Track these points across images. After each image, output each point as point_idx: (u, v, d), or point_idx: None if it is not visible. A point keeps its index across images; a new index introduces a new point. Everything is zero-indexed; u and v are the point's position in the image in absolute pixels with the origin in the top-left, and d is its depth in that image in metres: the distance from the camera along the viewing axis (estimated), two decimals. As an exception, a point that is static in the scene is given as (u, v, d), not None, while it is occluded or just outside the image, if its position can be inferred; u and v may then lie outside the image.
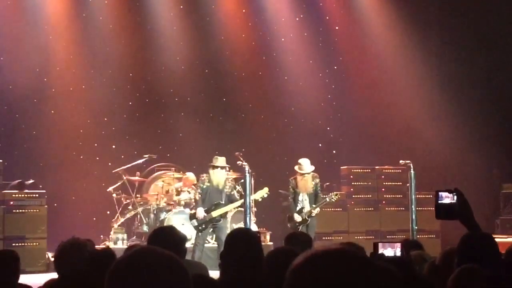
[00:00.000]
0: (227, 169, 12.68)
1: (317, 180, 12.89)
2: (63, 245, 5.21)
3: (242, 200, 12.27)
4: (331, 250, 1.82)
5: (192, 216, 12.44)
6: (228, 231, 12.46)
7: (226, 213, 12.52)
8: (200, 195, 12.38)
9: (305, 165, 12.83)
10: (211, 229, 12.43)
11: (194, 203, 13.05)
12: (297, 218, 12.71)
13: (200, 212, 12.24)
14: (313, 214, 12.74)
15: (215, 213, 12.26)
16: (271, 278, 4.30)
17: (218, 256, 11.45)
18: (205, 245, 13.16)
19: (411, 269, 4.02)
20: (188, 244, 11.33)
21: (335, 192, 13.19)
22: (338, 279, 1.75)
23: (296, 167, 12.84)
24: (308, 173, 12.76)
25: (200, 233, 12.31)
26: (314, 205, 12.71)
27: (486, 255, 3.69)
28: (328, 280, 1.75)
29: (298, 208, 12.76)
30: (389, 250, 4.18)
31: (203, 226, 12.26)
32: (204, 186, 12.37)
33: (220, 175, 12.38)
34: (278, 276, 4.18)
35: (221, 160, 12.44)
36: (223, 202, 12.32)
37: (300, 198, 12.77)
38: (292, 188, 12.84)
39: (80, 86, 16.36)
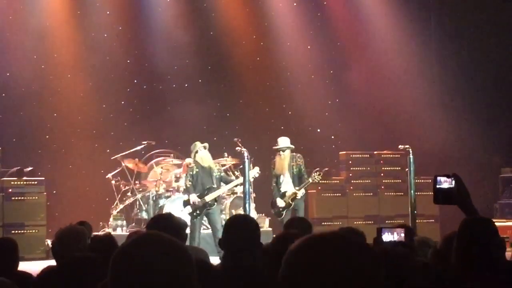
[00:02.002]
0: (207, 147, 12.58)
1: (300, 161, 12.59)
2: (60, 233, 5.20)
3: (240, 179, 12.29)
4: (328, 234, 1.81)
5: (186, 203, 12.45)
6: (227, 217, 12.49)
7: (219, 196, 12.54)
8: (190, 182, 12.39)
9: (281, 141, 12.64)
10: (205, 215, 12.44)
11: (184, 191, 13.05)
12: (280, 203, 12.48)
13: (193, 198, 12.25)
14: (298, 197, 12.46)
15: (208, 198, 12.29)
16: (275, 265, 4.29)
17: (215, 242, 11.51)
18: (203, 231, 13.19)
19: (414, 254, 4.02)
20: (188, 230, 11.34)
21: (318, 172, 12.79)
22: (334, 263, 1.74)
23: (274, 147, 12.69)
24: (283, 150, 12.57)
25: (195, 220, 12.32)
26: (297, 187, 12.53)
27: (486, 239, 3.68)
28: (325, 264, 1.74)
29: (281, 192, 12.55)
30: (391, 235, 4.18)
31: (198, 212, 12.29)
32: (194, 173, 12.38)
33: (205, 156, 12.39)
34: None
35: (197, 145, 12.46)
36: (215, 186, 12.34)
37: (282, 180, 12.50)
38: (273, 171, 12.61)
39: (78, 73, 16.33)
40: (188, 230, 12.07)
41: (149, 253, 1.95)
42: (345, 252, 1.77)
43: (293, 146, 12.67)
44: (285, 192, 12.46)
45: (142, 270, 1.92)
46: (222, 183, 12.56)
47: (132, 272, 1.93)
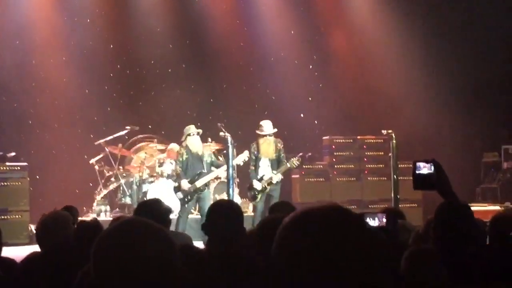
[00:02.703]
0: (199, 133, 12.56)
1: (280, 145, 12.60)
2: (45, 219, 5.20)
3: (241, 156, 12.32)
4: (322, 206, 1.79)
5: (177, 189, 12.45)
6: (211, 202, 12.49)
7: (209, 182, 12.55)
8: (181, 168, 12.39)
9: (266, 126, 12.58)
10: (196, 200, 12.46)
11: (175, 176, 13.04)
12: (257, 185, 12.47)
13: (185, 184, 12.26)
14: (274, 181, 12.43)
15: (199, 183, 12.30)
16: (263, 249, 4.30)
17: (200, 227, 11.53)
18: (189, 216, 13.21)
19: (396, 239, 4.05)
20: (172, 216, 11.35)
21: (296, 157, 12.78)
22: (328, 235, 1.72)
23: (257, 130, 12.65)
24: (270, 135, 12.56)
25: (186, 205, 12.34)
26: (275, 172, 12.50)
27: (462, 224, 3.72)
28: (319, 235, 1.72)
29: (259, 176, 12.54)
30: (373, 221, 4.20)
31: (189, 198, 12.31)
32: (184, 159, 12.38)
33: (196, 142, 12.39)
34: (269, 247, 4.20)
35: (190, 128, 12.45)
36: (205, 171, 12.35)
37: (261, 163, 12.49)
38: (253, 154, 12.52)
39: (60, 58, 16.25)
40: (175, 215, 12.14)
41: (130, 238, 1.97)
42: (339, 223, 1.75)
43: (276, 130, 12.68)
44: (262, 176, 12.46)
45: (123, 255, 1.94)
46: (213, 168, 12.55)
47: (114, 257, 1.95)
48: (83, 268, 3.13)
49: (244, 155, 12.57)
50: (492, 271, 3.63)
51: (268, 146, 12.49)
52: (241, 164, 12.70)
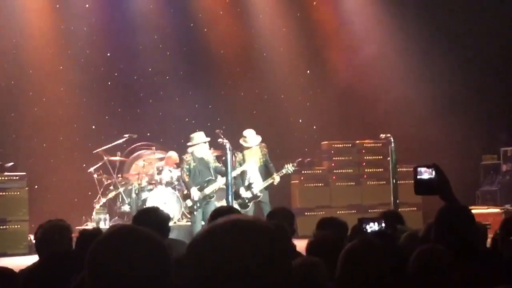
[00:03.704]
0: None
1: (265, 151, 12.62)
2: (43, 228, 5.18)
3: (239, 169, 12.29)
4: (231, 220, 1.78)
5: (186, 197, 12.42)
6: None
7: (217, 189, 12.52)
8: (188, 176, 12.35)
9: (250, 137, 12.62)
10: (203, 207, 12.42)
11: (183, 184, 13.00)
12: (246, 194, 12.49)
13: (195, 193, 12.23)
14: (276, 183, 12.51)
15: (208, 190, 12.29)
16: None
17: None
18: (185, 223, 13.25)
19: (394, 242, 4.05)
20: (171, 223, 11.35)
21: (291, 164, 12.87)
22: (234, 251, 1.72)
23: (240, 140, 12.66)
24: (255, 146, 12.60)
25: (195, 213, 12.31)
26: (275, 174, 12.47)
27: (463, 227, 3.71)
28: (224, 252, 1.72)
29: (246, 184, 12.55)
30: (373, 225, 4.20)
31: (198, 205, 12.28)
32: (191, 166, 12.35)
33: (205, 150, 12.38)
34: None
35: (200, 136, 12.44)
36: (213, 178, 12.33)
37: (249, 172, 12.48)
38: (239, 163, 12.56)
39: (57, 67, 16.24)
40: (173, 222, 12.11)
41: (124, 246, 1.96)
42: (248, 238, 1.73)
43: (261, 138, 12.71)
44: (251, 183, 12.47)
45: (117, 262, 1.93)
46: (218, 175, 12.52)
47: (108, 264, 1.94)
48: (78, 276, 3.11)
49: (237, 171, 12.53)
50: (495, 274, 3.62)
51: (253, 155, 12.53)
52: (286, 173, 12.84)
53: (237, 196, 12.53)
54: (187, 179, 12.38)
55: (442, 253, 3.69)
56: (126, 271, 1.92)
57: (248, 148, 12.53)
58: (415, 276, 3.69)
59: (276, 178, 12.51)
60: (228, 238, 1.74)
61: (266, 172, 12.58)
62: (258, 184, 12.45)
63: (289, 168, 12.65)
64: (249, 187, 12.46)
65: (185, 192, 12.53)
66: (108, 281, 1.92)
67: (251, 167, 12.46)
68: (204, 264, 1.72)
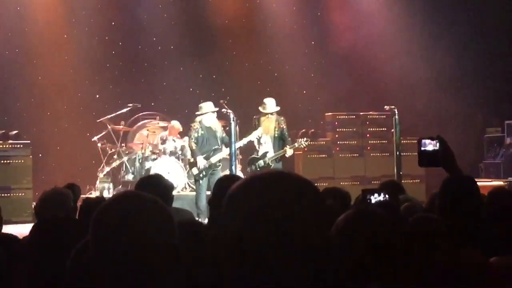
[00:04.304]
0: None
1: (283, 124, 12.49)
2: (44, 195, 5.19)
3: (243, 140, 12.27)
4: (267, 173, 1.77)
5: (192, 165, 12.43)
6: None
7: (223, 158, 12.50)
8: (196, 144, 12.34)
9: (270, 104, 12.53)
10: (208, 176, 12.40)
11: (189, 152, 12.98)
12: (259, 162, 12.54)
13: (201, 161, 12.23)
14: (287, 155, 12.40)
15: (214, 159, 12.29)
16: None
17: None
18: (189, 192, 13.27)
19: (398, 212, 4.05)
20: (174, 192, 11.36)
21: (305, 138, 12.83)
22: (273, 202, 1.71)
23: (260, 107, 12.62)
24: (272, 114, 12.50)
25: (200, 181, 12.30)
26: (288, 146, 12.40)
27: (468, 197, 3.70)
28: (263, 203, 1.71)
29: (261, 152, 12.54)
30: (376, 196, 4.20)
31: (204, 174, 12.28)
32: (199, 134, 12.34)
33: (213, 119, 12.36)
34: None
35: (209, 105, 12.42)
36: (220, 147, 12.32)
37: (263, 141, 12.44)
38: (254, 129, 12.47)
39: (62, 36, 16.20)
40: (177, 192, 12.13)
41: (129, 210, 1.96)
42: (286, 189, 1.73)
43: (279, 108, 12.64)
44: (265, 152, 12.44)
45: (121, 226, 1.94)
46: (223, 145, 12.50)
47: (112, 228, 1.94)
48: (78, 244, 3.12)
49: (248, 139, 12.49)
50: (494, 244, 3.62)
51: (269, 124, 12.45)
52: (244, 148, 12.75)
53: (250, 162, 12.54)
54: (194, 147, 12.36)
55: (434, 222, 3.70)
56: (130, 234, 1.93)
57: (265, 115, 12.45)
58: (407, 245, 3.70)
59: (288, 151, 12.41)
60: (271, 185, 1.73)
61: (281, 145, 12.49)
62: (270, 154, 12.42)
63: (302, 142, 12.58)
64: (264, 156, 12.43)
65: (191, 160, 12.52)
66: (111, 245, 1.93)
67: (264, 136, 12.38)
68: (246, 211, 1.71)
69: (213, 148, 12.32)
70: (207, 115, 12.32)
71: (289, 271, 1.68)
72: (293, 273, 1.68)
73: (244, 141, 12.44)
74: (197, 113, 12.48)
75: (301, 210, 1.71)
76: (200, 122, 12.37)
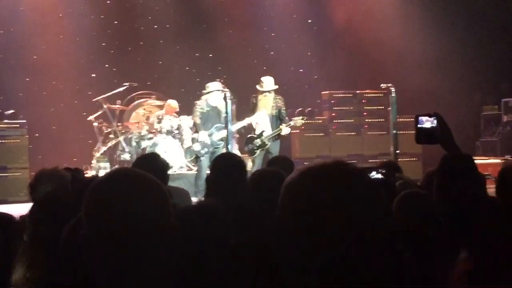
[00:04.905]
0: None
1: (281, 103, 12.41)
2: (39, 172, 5.16)
3: (246, 120, 12.25)
4: (327, 164, 1.76)
5: (194, 141, 12.46)
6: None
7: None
8: (200, 120, 12.36)
9: (267, 82, 12.49)
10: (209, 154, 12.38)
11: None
12: (256, 140, 12.48)
13: (203, 135, 12.24)
14: (283, 133, 12.36)
15: (215, 137, 12.29)
16: (255, 200, 4.30)
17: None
18: (187, 171, 13.25)
19: (394, 192, 4.04)
20: (171, 171, 11.35)
21: (301, 117, 12.81)
22: (333, 193, 1.70)
23: (257, 86, 12.57)
24: (270, 92, 12.48)
25: (202, 157, 12.29)
26: (284, 124, 12.37)
27: (466, 175, 3.69)
28: (323, 194, 1.70)
29: (258, 131, 12.51)
30: (376, 174, 4.19)
31: (206, 150, 12.28)
32: (204, 111, 12.34)
33: (220, 100, 12.33)
34: (262, 197, 4.20)
35: (216, 84, 12.41)
36: (223, 125, 12.30)
37: (260, 120, 12.33)
38: (251, 107, 12.51)
39: (57, 15, 16.12)
40: (173, 171, 12.12)
41: (123, 186, 1.95)
42: (345, 181, 1.73)
43: (277, 87, 12.60)
44: (262, 131, 12.40)
45: (116, 202, 1.92)
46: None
47: (106, 204, 1.92)
48: (70, 222, 3.10)
49: (244, 123, 12.46)
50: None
51: (266, 102, 12.42)
52: (242, 130, 12.75)
53: (248, 141, 12.52)
54: (198, 121, 12.38)
55: (424, 197, 3.69)
56: (125, 211, 1.91)
57: (262, 93, 12.41)
58: (398, 222, 3.70)
59: (284, 129, 12.33)
60: (329, 178, 1.72)
61: (279, 124, 12.43)
62: (267, 133, 12.38)
63: (298, 120, 12.54)
64: (260, 135, 12.39)
65: (194, 135, 12.51)
66: (105, 221, 1.91)
67: (261, 115, 12.35)
68: (304, 205, 1.70)
69: (216, 125, 12.34)
70: (214, 93, 12.33)
71: (354, 260, 1.69)
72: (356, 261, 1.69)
73: (242, 123, 12.42)
74: (203, 91, 12.49)
75: (360, 204, 1.71)
76: (206, 100, 12.39)
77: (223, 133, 12.28)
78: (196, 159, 12.50)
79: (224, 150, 12.14)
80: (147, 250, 1.92)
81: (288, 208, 1.74)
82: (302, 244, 1.70)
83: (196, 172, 12.58)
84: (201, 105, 12.39)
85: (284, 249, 1.73)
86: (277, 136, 12.48)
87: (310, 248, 1.69)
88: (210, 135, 12.29)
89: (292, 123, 12.47)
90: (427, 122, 3.77)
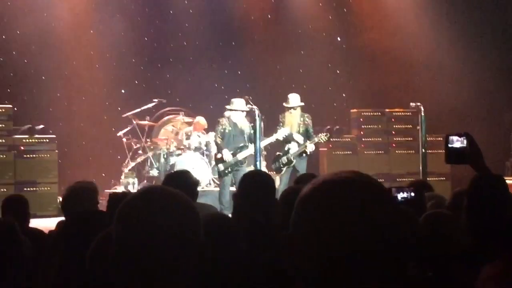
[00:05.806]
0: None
1: (308, 121, 12.48)
2: (71, 189, 5.20)
3: (272, 137, 12.26)
4: (341, 177, 1.71)
5: (218, 161, 12.39)
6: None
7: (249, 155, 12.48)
8: (221, 139, 12.34)
9: (293, 99, 12.52)
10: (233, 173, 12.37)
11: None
12: (283, 158, 12.47)
13: (227, 154, 12.21)
14: (308, 151, 12.40)
15: (240, 156, 12.28)
16: (285, 218, 4.29)
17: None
18: (213, 188, 13.28)
19: (424, 210, 4.03)
20: (199, 188, 11.37)
21: (325, 133, 12.79)
22: (347, 207, 1.66)
23: (284, 103, 12.62)
24: (295, 108, 12.48)
25: (225, 177, 12.28)
26: (309, 141, 12.39)
27: (497, 196, 3.66)
28: (337, 207, 1.66)
29: (285, 149, 12.48)
30: (402, 194, 4.18)
31: (229, 170, 12.27)
32: (226, 130, 12.34)
33: (242, 118, 12.35)
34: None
35: (241, 103, 12.40)
36: (247, 145, 12.30)
37: (286, 137, 12.35)
38: (279, 126, 12.48)
39: (88, 31, 16.27)
40: (201, 188, 12.14)
41: (154, 204, 1.96)
42: (361, 194, 1.68)
43: (303, 104, 12.63)
44: (288, 149, 12.44)
45: (146, 219, 1.94)
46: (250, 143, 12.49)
47: (137, 221, 1.94)
48: (100, 234, 3.12)
49: (271, 139, 12.48)
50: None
51: (292, 119, 12.46)
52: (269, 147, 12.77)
53: (275, 158, 12.52)
54: (219, 141, 12.36)
55: (449, 218, 3.68)
56: (155, 228, 1.92)
57: (288, 109, 12.45)
58: (423, 241, 3.68)
59: (309, 146, 12.38)
60: (345, 188, 1.68)
61: (306, 142, 12.46)
62: (293, 150, 12.42)
63: (322, 137, 12.55)
64: (286, 152, 12.42)
65: (218, 156, 12.49)
66: (136, 237, 1.93)
67: (286, 132, 12.36)
68: (321, 213, 1.67)
69: (240, 145, 12.31)
70: (237, 112, 12.32)
71: (372, 271, 1.65)
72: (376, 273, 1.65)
73: (270, 139, 12.43)
74: (227, 106, 12.49)
75: (375, 212, 1.67)
76: (229, 118, 12.39)
77: (247, 152, 12.29)
78: (219, 177, 12.50)
79: (247, 169, 12.16)
80: (176, 267, 1.93)
81: (302, 223, 1.70)
82: (316, 261, 1.66)
83: (219, 189, 12.57)
84: (223, 123, 12.39)
85: (298, 266, 1.69)
86: (304, 154, 12.49)
87: (324, 266, 1.65)
88: (234, 155, 12.28)
89: (316, 139, 12.49)
90: (457, 142, 3.75)
